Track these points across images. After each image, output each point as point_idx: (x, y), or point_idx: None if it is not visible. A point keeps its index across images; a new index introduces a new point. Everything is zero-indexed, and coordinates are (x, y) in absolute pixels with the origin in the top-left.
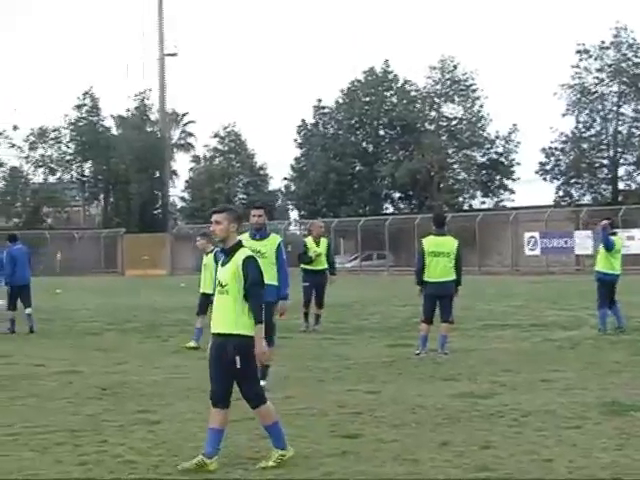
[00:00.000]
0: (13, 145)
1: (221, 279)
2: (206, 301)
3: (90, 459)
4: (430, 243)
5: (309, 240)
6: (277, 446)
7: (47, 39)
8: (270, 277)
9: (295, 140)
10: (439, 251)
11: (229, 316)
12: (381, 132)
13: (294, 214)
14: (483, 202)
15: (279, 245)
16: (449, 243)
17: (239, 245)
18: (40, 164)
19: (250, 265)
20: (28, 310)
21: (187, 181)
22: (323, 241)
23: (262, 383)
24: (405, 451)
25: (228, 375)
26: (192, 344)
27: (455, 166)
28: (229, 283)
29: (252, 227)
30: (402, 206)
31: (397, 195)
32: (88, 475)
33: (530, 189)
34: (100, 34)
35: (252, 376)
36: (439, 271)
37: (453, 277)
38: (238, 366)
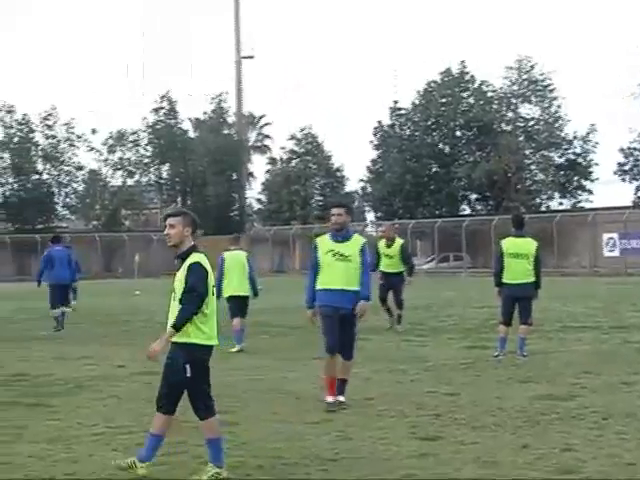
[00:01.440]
0: (92, 148)
1: (174, 285)
2: (230, 304)
3: (170, 460)
4: (509, 244)
5: (381, 243)
6: (214, 461)
7: (120, 44)
8: (353, 283)
9: (371, 142)
10: (518, 253)
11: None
12: (458, 133)
13: (370, 216)
14: (561, 203)
15: (363, 246)
16: (528, 245)
17: (192, 250)
18: (118, 167)
19: (193, 271)
20: (63, 309)
21: (264, 183)
22: (397, 243)
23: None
24: (485, 453)
25: (179, 384)
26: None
27: (532, 167)
28: (178, 290)
29: (332, 228)
30: (479, 207)
31: (474, 196)
32: (169, 475)
33: (609, 190)
34: (179, 38)
35: (193, 386)
36: (518, 273)
37: (532, 279)
38: (188, 374)
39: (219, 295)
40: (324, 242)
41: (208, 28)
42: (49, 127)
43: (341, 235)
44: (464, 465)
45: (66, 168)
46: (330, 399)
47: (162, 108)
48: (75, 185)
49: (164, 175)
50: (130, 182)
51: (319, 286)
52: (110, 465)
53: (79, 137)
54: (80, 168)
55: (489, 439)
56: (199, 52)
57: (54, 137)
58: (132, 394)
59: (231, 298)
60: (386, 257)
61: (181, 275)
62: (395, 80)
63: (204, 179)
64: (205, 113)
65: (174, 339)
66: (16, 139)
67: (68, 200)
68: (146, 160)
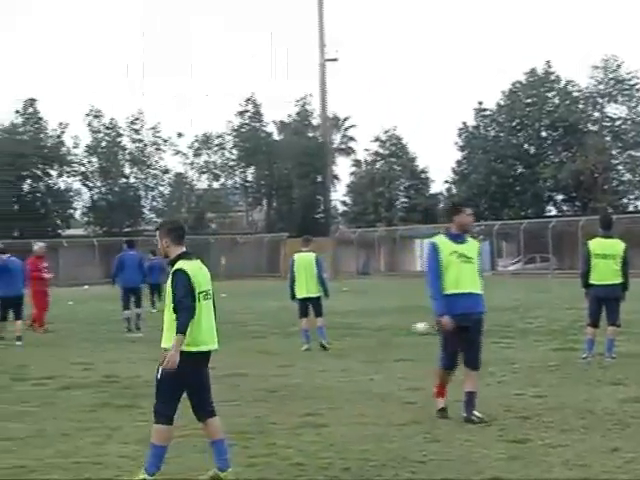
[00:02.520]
0: (178, 152)
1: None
2: (301, 305)
3: (259, 461)
4: (596, 245)
5: None
6: (149, 469)
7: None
8: (479, 285)
9: (456, 143)
10: (605, 253)
11: (165, 330)
12: (543, 133)
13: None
14: None
15: (480, 249)
16: (616, 245)
17: (178, 258)
18: (204, 170)
19: (174, 278)
20: (137, 310)
21: (348, 185)
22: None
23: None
24: (574, 457)
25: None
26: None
27: (619, 167)
28: (167, 297)
29: (458, 228)
30: (565, 208)
31: (560, 197)
32: (258, 476)
33: None
34: (264, 41)
35: (158, 388)
36: (605, 274)
37: (620, 280)
38: (158, 377)
39: (293, 297)
40: (444, 243)
41: (293, 31)
42: (136, 131)
43: (461, 236)
44: (552, 468)
45: (153, 171)
46: (442, 404)
47: (247, 111)
48: (161, 188)
49: (249, 178)
50: (216, 185)
51: (446, 290)
52: (197, 466)
53: (165, 141)
54: (166, 171)
55: (578, 442)
56: (284, 55)
57: (141, 141)
58: (219, 396)
59: (302, 299)
60: None
61: (168, 282)
62: (479, 81)
63: (289, 181)
64: (290, 116)
65: (162, 345)
66: (104, 143)
67: (155, 203)
68: (231, 163)
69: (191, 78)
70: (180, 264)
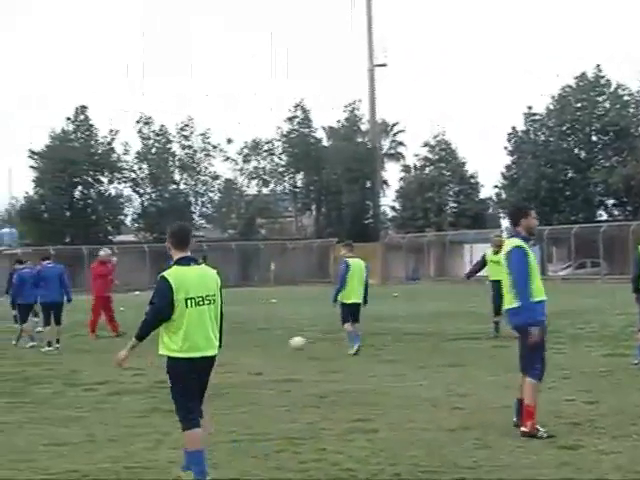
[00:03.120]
0: (228, 158)
1: None
2: (347, 310)
3: (310, 466)
4: None
5: (489, 251)
6: (196, 475)
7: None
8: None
9: (506, 148)
10: None
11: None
12: (594, 138)
13: (505, 222)
14: None
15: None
16: None
17: (175, 262)
18: (254, 176)
19: (157, 282)
20: None
21: (398, 190)
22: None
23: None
24: (627, 463)
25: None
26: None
27: None
28: None
29: (526, 231)
30: (616, 212)
31: (611, 202)
32: None
33: None
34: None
35: (173, 397)
36: None
37: None
38: (170, 385)
39: (336, 300)
40: (526, 246)
41: (341, 36)
42: (186, 137)
43: (529, 240)
44: (605, 475)
45: (202, 178)
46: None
47: (296, 117)
48: (211, 194)
49: (298, 183)
50: (265, 191)
51: (533, 298)
52: (251, 471)
53: (215, 147)
54: (216, 177)
55: (631, 449)
56: (332, 61)
57: (190, 147)
58: (270, 401)
59: (350, 304)
60: (494, 264)
61: None
62: (529, 85)
63: (338, 187)
64: (339, 121)
65: (159, 352)
66: (154, 150)
67: (204, 209)
68: (281, 169)
69: (240, 83)
70: (167, 271)
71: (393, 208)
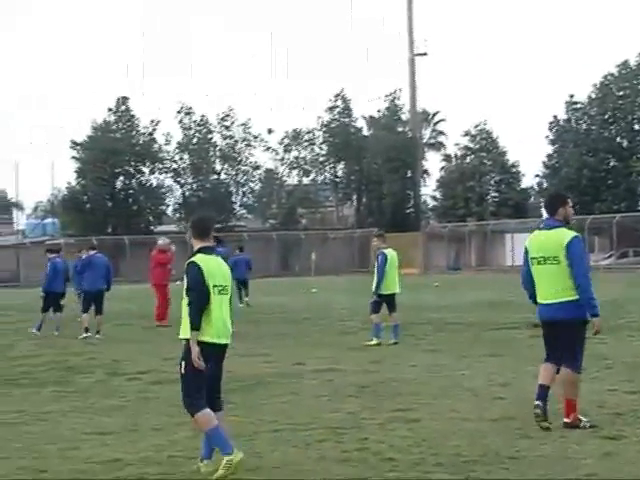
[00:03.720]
0: (268, 148)
1: None
2: (384, 301)
3: (352, 456)
4: None
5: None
6: (224, 450)
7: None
8: None
9: (547, 136)
10: None
11: (183, 319)
12: (636, 126)
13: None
14: None
15: None
16: None
17: (196, 252)
18: (294, 166)
19: (187, 270)
20: None
21: (438, 180)
22: None
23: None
24: None
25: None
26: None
27: None
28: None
29: (564, 219)
30: None
31: None
32: (351, 472)
33: None
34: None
35: (184, 382)
36: None
37: None
38: (182, 372)
39: (377, 292)
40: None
41: (381, 25)
42: (226, 128)
43: None
44: None
45: (243, 168)
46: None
47: (337, 107)
48: (252, 184)
49: (339, 173)
50: (306, 181)
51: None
52: (293, 460)
53: (255, 137)
54: (257, 167)
55: None
56: (374, 50)
57: (231, 137)
58: (311, 391)
59: (388, 295)
60: None
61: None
62: (570, 74)
63: (379, 177)
64: (379, 111)
65: (180, 336)
66: (195, 140)
67: (245, 199)
68: (321, 159)
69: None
70: (195, 257)
71: (434, 197)
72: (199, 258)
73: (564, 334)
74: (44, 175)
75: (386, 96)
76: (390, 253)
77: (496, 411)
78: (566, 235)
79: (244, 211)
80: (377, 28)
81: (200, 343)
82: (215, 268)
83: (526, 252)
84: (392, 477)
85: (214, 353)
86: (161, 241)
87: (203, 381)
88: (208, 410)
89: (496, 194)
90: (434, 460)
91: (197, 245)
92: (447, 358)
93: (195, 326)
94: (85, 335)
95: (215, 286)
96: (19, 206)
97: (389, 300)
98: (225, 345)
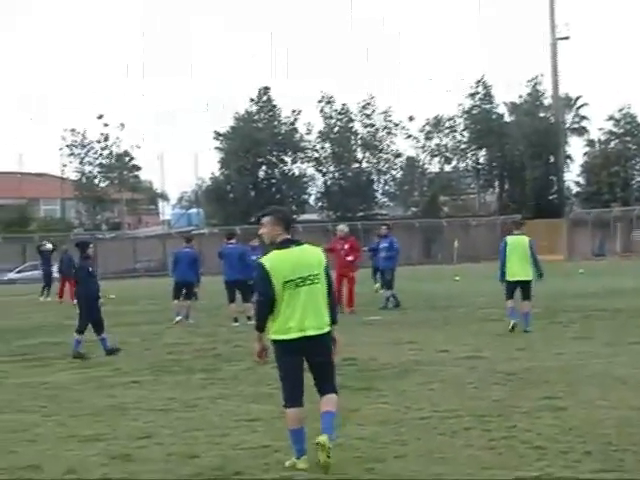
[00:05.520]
0: (409, 136)
1: None
2: (510, 287)
3: (499, 444)
4: None
5: None
6: (296, 452)
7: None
8: None
9: None
10: None
11: None
12: None
13: None
14: None
15: None
16: None
17: (275, 247)
18: (436, 153)
19: (255, 270)
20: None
21: (582, 165)
22: None
23: None
24: None
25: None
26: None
27: None
28: None
29: None
30: None
31: None
32: (498, 459)
33: None
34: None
35: (279, 379)
36: None
37: None
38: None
39: (502, 278)
40: None
41: (525, 10)
42: (367, 116)
43: None
44: None
45: (384, 156)
46: None
47: (477, 93)
48: (393, 172)
49: (481, 160)
50: (447, 168)
51: None
52: (439, 448)
53: (396, 125)
54: (398, 155)
55: None
56: (514, 35)
57: (372, 125)
58: (457, 378)
59: (511, 282)
60: None
61: None
62: None
63: (521, 163)
64: (521, 97)
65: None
66: (336, 129)
67: (387, 187)
68: (463, 145)
69: (418, 64)
70: (265, 256)
71: (577, 183)
72: (269, 257)
73: None
74: (188, 166)
75: (528, 81)
76: (512, 240)
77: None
78: None
79: (386, 199)
80: (520, 13)
81: (275, 342)
82: (291, 261)
83: None
84: (540, 466)
85: (297, 349)
86: (339, 228)
87: (294, 378)
88: (297, 410)
89: None
90: (582, 449)
91: (278, 238)
92: (594, 345)
93: (259, 327)
94: (234, 324)
95: (288, 281)
96: (165, 197)
97: (521, 286)
98: (314, 337)
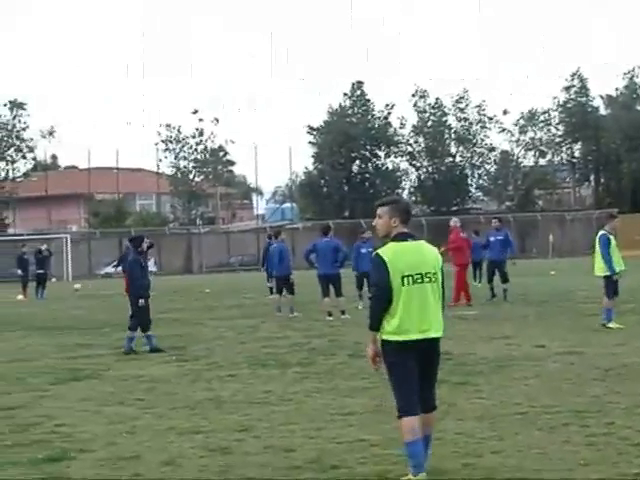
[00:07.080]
0: (504, 129)
1: None
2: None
3: (598, 440)
4: None
5: None
6: (412, 470)
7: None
8: None
9: None
10: None
11: None
12: None
13: None
14: None
15: None
16: None
17: (392, 239)
18: (530, 147)
19: (372, 263)
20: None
21: None
22: None
23: None
24: None
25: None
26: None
27: None
28: None
29: None
30: None
31: None
32: (597, 456)
33: None
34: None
35: (391, 383)
36: None
37: None
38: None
39: (614, 271)
40: None
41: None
42: (461, 110)
43: None
44: None
45: (478, 150)
46: None
47: (573, 86)
48: (487, 166)
49: (576, 154)
50: (542, 162)
51: None
52: (536, 443)
53: (490, 119)
54: (492, 149)
55: None
56: (610, 29)
57: (466, 119)
58: (554, 374)
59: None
60: None
61: None
62: None
63: (617, 156)
64: (617, 89)
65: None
66: (430, 123)
67: (481, 181)
68: (558, 139)
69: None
70: (383, 248)
71: None
72: (387, 248)
73: None
74: (282, 160)
75: (624, 74)
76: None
77: None
78: None
79: (480, 193)
80: (618, 6)
81: (389, 342)
82: (409, 256)
83: None
84: None
85: (412, 351)
86: (453, 220)
87: (409, 383)
88: (412, 418)
89: None
90: None
91: (399, 231)
92: None
93: (374, 326)
94: (328, 318)
95: (407, 276)
96: (259, 191)
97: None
98: (430, 340)
